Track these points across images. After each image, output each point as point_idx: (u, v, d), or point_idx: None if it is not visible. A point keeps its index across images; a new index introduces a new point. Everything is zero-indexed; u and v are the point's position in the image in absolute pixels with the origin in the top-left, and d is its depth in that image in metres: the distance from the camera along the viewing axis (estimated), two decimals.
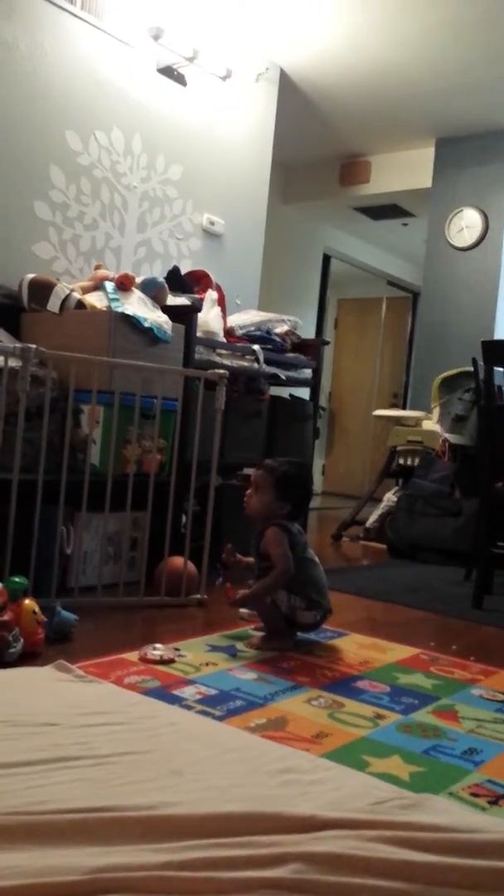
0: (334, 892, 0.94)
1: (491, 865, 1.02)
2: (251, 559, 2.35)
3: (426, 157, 5.65)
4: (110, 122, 3.53)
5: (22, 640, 1.87)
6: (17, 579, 2.03)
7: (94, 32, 3.42)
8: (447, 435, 4.35)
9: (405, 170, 5.84)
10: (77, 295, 2.92)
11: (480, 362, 3.08)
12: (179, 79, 3.86)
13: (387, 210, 6.49)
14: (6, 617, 1.83)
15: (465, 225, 5.44)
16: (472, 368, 3.48)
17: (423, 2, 3.81)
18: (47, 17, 3.22)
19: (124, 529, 2.72)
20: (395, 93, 4.82)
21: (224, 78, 4.05)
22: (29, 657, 1.89)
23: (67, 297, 2.88)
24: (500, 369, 3.03)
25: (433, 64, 4.42)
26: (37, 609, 1.98)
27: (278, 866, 0.98)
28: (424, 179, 5.67)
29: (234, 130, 4.22)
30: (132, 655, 2.01)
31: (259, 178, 4.43)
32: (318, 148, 5.86)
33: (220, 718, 1.64)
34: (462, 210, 5.44)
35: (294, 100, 4.83)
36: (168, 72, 3.80)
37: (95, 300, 2.91)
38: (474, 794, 1.38)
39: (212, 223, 4.11)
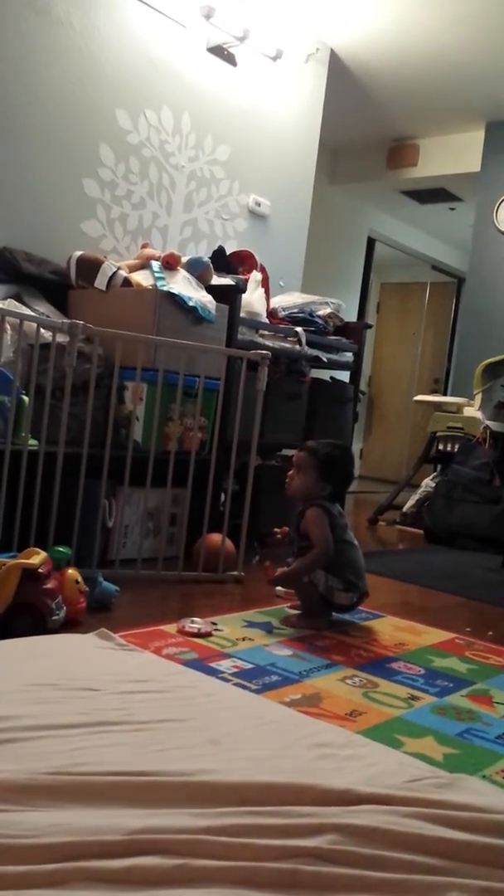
0: (370, 864, 0.96)
1: None
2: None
3: (475, 141, 5.55)
4: (160, 101, 3.54)
5: (65, 607, 1.92)
6: (61, 549, 2.08)
7: (146, 11, 3.42)
8: (489, 422, 4.31)
9: (454, 153, 5.76)
10: (124, 273, 2.94)
11: None
12: (229, 58, 3.85)
13: (434, 194, 6.40)
14: (50, 585, 1.88)
15: None
16: None
17: None
18: None
19: (164, 505, 2.76)
20: (445, 75, 4.74)
21: (274, 58, 4.02)
22: (71, 625, 1.93)
23: (114, 274, 2.91)
24: None
25: (485, 46, 4.34)
26: (79, 579, 2.02)
27: (315, 836, 0.99)
28: (473, 163, 5.58)
29: (283, 111, 4.20)
30: (170, 627, 2.05)
31: (306, 159, 4.41)
32: (366, 130, 5.79)
33: (255, 692, 1.66)
34: None
35: (343, 81, 4.78)
36: (218, 51, 3.79)
37: (141, 278, 2.94)
38: None
39: (258, 204, 4.10)
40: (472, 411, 4.51)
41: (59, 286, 3.00)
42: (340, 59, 4.58)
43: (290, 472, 2.34)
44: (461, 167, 5.73)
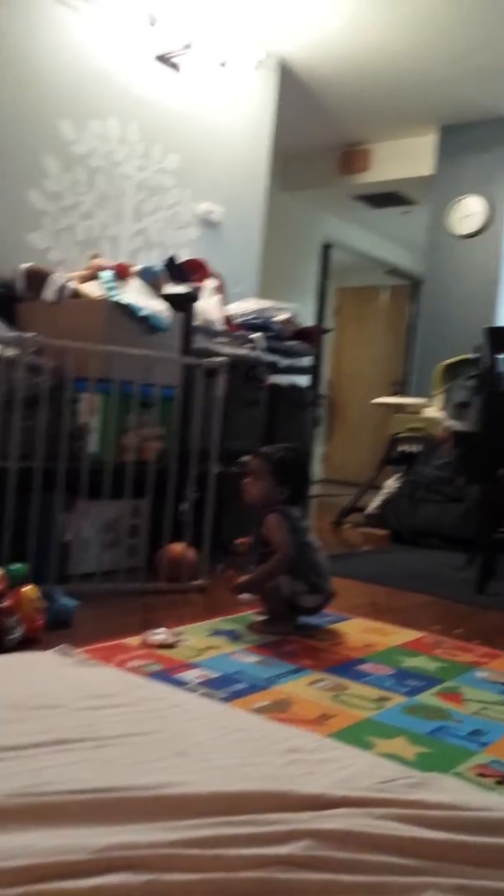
0: (345, 868, 0.94)
1: (498, 843, 1.01)
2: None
3: (428, 145, 5.61)
4: (106, 110, 3.51)
5: (22, 626, 1.86)
6: (16, 566, 2.02)
7: (90, 21, 3.40)
8: (450, 422, 4.33)
9: (406, 158, 5.81)
10: (73, 284, 2.90)
11: (483, 350, 3.07)
12: (176, 67, 3.83)
13: (387, 198, 6.46)
14: (6, 603, 1.82)
15: (468, 212, 5.41)
16: (474, 355, 3.47)
17: None
18: (40, 3, 3.20)
19: (124, 517, 2.71)
20: (396, 80, 4.79)
21: (222, 66, 4.02)
22: (29, 643, 1.88)
23: (64, 285, 2.87)
24: (503, 356, 3.01)
25: (435, 50, 4.38)
26: (37, 595, 1.97)
27: (288, 843, 0.97)
28: (426, 167, 5.64)
29: (233, 119, 4.20)
30: (133, 640, 2.01)
31: (258, 166, 4.41)
32: (317, 136, 5.82)
33: (223, 701, 1.63)
34: (464, 198, 5.41)
35: (293, 87, 4.80)
36: (165, 60, 3.77)
37: (92, 289, 2.89)
38: (481, 775, 1.38)
39: (210, 212, 4.09)
40: (432, 412, 4.53)
41: (6, 299, 2.94)
42: (290, 65, 4.59)
43: (246, 480, 2.32)
44: (413, 171, 5.78)
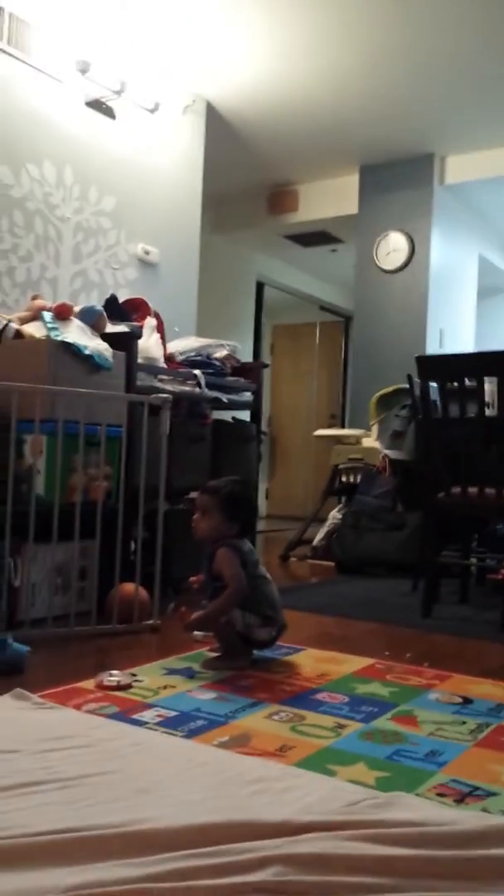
0: (317, 891, 0.95)
1: (466, 855, 1.03)
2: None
3: (352, 184, 5.80)
4: (41, 154, 3.54)
5: None
6: None
7: (22, 67, 3.44)
8: (387, 451, 4.43)
9: (332, 197, 5.99)
10: (15, 325, 2.89)
11: (415, 379, 3.16)
12: (108, 112, 3.90)
13: (316, 237, 6.62)
14: None
15: (392, 248, 5.60)
16: (407, 385, 3.57)
17: (342, 33, 3.95)
18: None
19: (73, 559, 2.69)
20: (318, 122, 4.96)
21: (152, 111, 4.11)
22: None
23: (5, 327, 2.86)
24: (435, 384, 3.11)
25: (355, 94, 4.57)
26: None
27: (259, 870, 0.98)
28: (351, 206, 5.82)
29: (165, 162, 4.28)
30: (88, 684, 1.98)
31: (190, 208, 4.49)
32: (246, 178, 5.96)
33: (182, 739, 1.62)
34: (388, 234, 5.60)
35: (221, 131, 4.92)
36: (96, 105, 3.84)
37: (34, 330, 2.89)
38: (441, 794, 1.40)
39: (147, 252, 4.14)
40: (371, 442, 4.63)
41: None
42: (217, 109, 4.72)
43: (196, 516, 2.33)
44: (340, 210, 5.96)
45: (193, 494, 2.44)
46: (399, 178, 5.55)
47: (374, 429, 4.60)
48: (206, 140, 4.61)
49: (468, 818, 1.13)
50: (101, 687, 1.95)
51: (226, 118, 4.84)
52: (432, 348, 5.47)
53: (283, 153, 5.47)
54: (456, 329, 5.87)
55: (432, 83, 4.42)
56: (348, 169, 5.74)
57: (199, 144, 4.56)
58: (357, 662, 2.32)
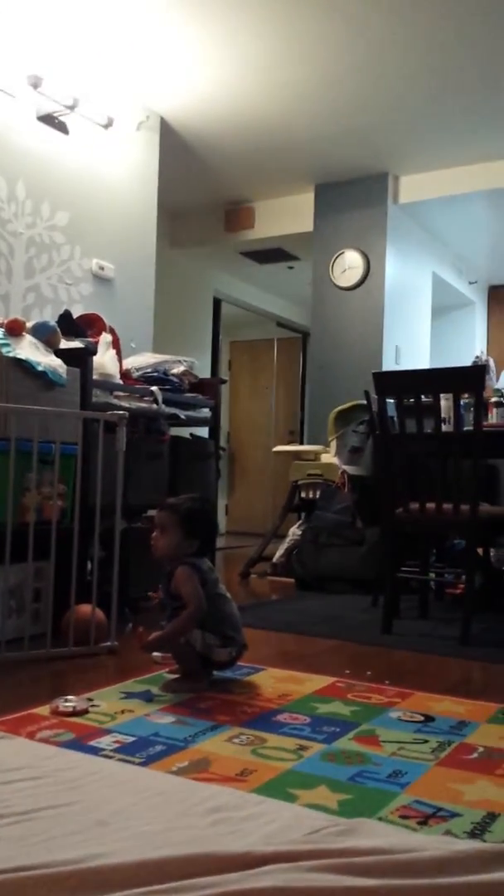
0: None
1: (430, 884, 1.01)
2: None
3: (307, 202, 5.84)
4: None
5: None
6: None
7: None
8: (345, 466, 4.43)
9: (287, 215, 6.03)
10: None
11: (372, 395, 3.17)
12: (61, 126, 3.86)
13: (272, 254, 6.65)
14: None
15: (348, 266, 5.64)
16: (364, 401, 3.57)
17: (297, 51, 3.98)
18: None
19: (27, 581, 2.62)
20: (273, 140, 4.98)
21: (105, 126, 4.09)
22: None
23: None
24: (391, 400, 3.12)
25: (309, 112, 4.60)
26: None
27: None
28: (306, 224, 5.86)
29: (119, 177, 4.25)
30: (43, 710, 1.92)
31: (146, 223, 4.47)
32: (202, 194, 5.97)
33: (140, 765, 1.58)
34: (344, 252, 5.64)
35: (176, 146, 4.92)
36: (49, 119, 3.80)
37: None
38: (404, 816, 1.38)
39: (101, 268, 4.10)
40: (329, 457, 4.63)
41: None
42: (171, 125, 4.71)
43: (154, 534, 2.29)
44: (295, 227, 5.99)
45: (152, 512, 2.39)
46: (354, 196, 5.60)
47: (333, 444, 4.61)
48: (161, 155, 4.60)
49: (432, 844, 1.11)
50: (56, 713, 1.90)
51: (180, 134, 4.84)
52: (389, 364, 5.51)
53: (239, 170, 5.49)
54: (412, 345, 5.92)
55: (387, 103, 4.47)
56: (304, 187, 5.78)
57: (154, 160, 4.54)
58: (318, 681, 2.29)
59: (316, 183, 5.71)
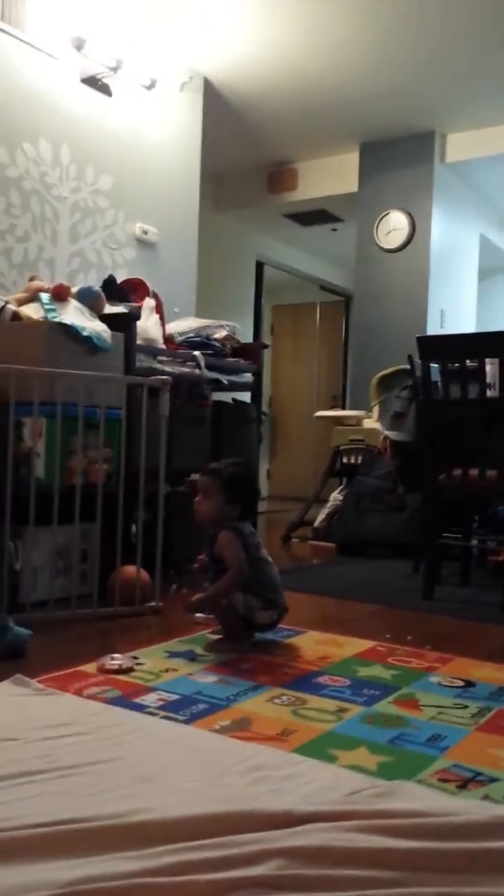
0: (317, 885, 0.94)
1: (468, 847, 1.02)
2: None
3: (351, 163, 5.73)
4: (36, 133, 3.49)
5: None
6: None
7: (17, 44, 3.38)
8: (388, 432, 4.41)
9: (332, 175, 5.93)
10: (12, 307, 2.86)
11: (416, 359, 3.14)
12: (104, 89, 3.84)
13: (316, 216, 6.56)
14: None
15: (393, 227, 5.54)
16: (407, 366, 3.54)
17: (342, 9, 3.88)
18: None
19: (74, 542, 2.68)
20: (318, 99, 4.88)
21: (149, 87, 4.05)
22: None
23: (2, 309, 2.83)
24: (436, 365, 3.08)
25: (354, 70, 4.50)
26: None
27: (258, 864, 0.96)
28: (351, 184, 5.76)
29: (162, 139, 4.22)
30: (90, 667, 1.98)
31: (189, 186, 4.44)
32: (245, 156, 5.89)
33: (184, 723, 1.62)
34: (389, 213, 5.54)
35: (219, 108, 4.86)
36: (92, 82, 3.78)
37: (31, 311, 2.86)
38: (443, 780, 1.39)
39: (145, 232, 4.09)
40: (372, 423, 4.61)
41: None
42: (214, 86, 4.65)
43: (197, 498, 2.31)
44: (339, 188, 5.89)
45: (194, 476, 2.42)
46: (399, 156, 5.48)
47: (375, 410, 4.57)
48: (205, 117, 4.54)
49: (471, 808, 1.12)
50: (102, 671, 1.95)
51: (224, 95, 4.77)
52: (433, 328, 5.43)
53: (283, 130, 5.40)
54: (457, 309, 5.82)
55: (434, 60, 4.34)
56: (348, 146, 5.67)
57: (197, 121, 4.49)
58: (358, 645, 2.31)
59: (361, 142, 5.60)
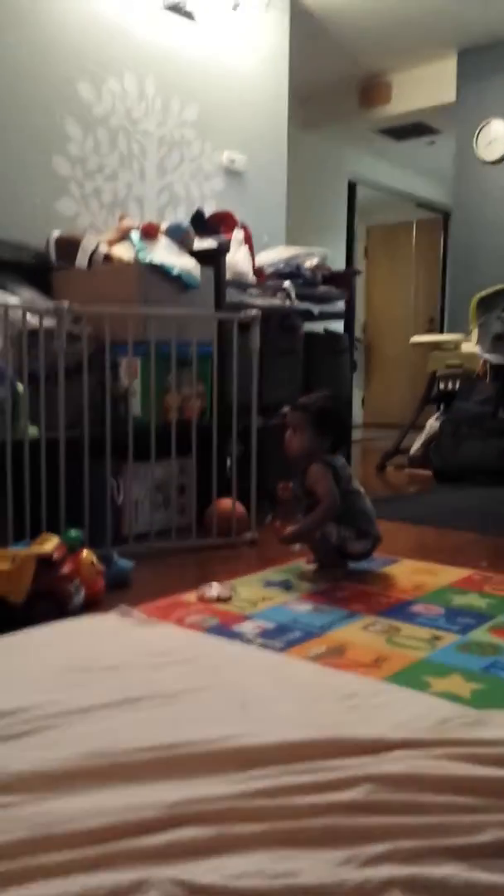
0: (406, 810, 0.97)
1: None
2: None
3: (448, 71, 5.44)
4: (121, 67, 3.47)
5: (83, 590, 1.93)
6: (73, 533, 2.09)
7: None
8: (487, 355, 4.28)
9: (427, 86, 5.64)
10: (104, 248, 2.91)
11: None
12: (188, 14, 3.75)
13: (411, 129, 6.29)
14: (67, 570, 1.89)
15: (494, 137, 5.28)
16: None
17: None
18: None
19: (171, 476, 2.77)
20: (410, 5, 4.62)
21: (234, 8, 3.92)
22: (91, 606, 1.94)
23: (94, 251, 2.88)
24: None
25: None
26: (94, 559, 2.04)
27: (350, 789, 1.00)
28: (448, 94, 5.48)
29: (248, 63, 4.10)
30: (190, 596, 2.06)
31: (277, 109, 4.32)
32: (334, 71, 5.67)
33: (280, 650, 1.68)
34: (489, 122, 5.26)
35: (306, 24, 4.66)
36: (175, 8, 3.69)
37: (122, 251, 2.90)
38: None
39: (232, 161, 4.03)
40: (471, 347, 4.48)
41: (40, 269, 2.96)
42: (300, 2, 4.46)
43: (287, 434, 2.34)
44: (436, 99, 5.62)
45: (285, 411, 2.44)
46: (501, 61, 5.15)
47: (475, 333, 4.44)
48: (291, 35, 4.38)
49: None
50: (202, 599, 2.03)
51: (310, 9, 4.58)
52: None
53: (374, 41, 5.15)
54: None
55: None
56: (445, 54, 5.36)
57: (284, 41, 4.33)
58: (454, 574, 2.31)
59: (458, 49, 5.29)
